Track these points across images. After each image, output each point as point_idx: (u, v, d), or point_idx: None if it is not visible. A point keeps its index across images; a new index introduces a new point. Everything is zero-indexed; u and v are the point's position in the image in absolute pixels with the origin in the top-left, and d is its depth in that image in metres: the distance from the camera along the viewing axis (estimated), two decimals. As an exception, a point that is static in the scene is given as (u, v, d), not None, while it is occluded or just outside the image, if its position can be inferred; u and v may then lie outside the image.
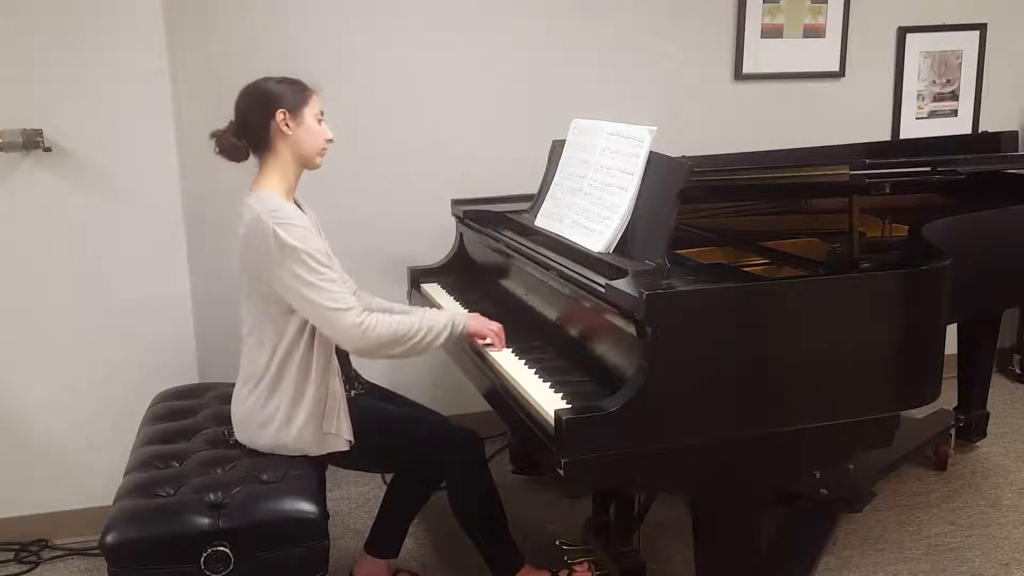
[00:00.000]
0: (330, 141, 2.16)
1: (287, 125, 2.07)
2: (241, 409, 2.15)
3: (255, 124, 2.09)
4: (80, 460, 2.74)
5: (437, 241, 3.09)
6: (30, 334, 2.66)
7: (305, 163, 2.14)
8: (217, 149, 2.12)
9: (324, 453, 2.12)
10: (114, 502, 1.95)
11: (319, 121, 2.13)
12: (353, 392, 2.24)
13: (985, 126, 3.87)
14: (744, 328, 1.82)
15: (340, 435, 2.11)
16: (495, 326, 2.25)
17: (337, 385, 2.13)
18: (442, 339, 2.12)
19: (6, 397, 2.68)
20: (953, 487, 3.06)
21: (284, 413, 2.08)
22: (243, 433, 2.15)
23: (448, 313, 2.18)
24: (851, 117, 3.66)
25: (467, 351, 2.34)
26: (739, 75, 3.51)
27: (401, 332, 2.04)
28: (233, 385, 2.21)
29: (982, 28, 3.79)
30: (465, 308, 2.58)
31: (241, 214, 2.07)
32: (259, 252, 2.00)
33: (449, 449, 2.22)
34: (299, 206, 2.17)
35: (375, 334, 2.01)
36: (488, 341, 2.23)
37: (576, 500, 2.85)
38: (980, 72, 3.84)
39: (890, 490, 3.02)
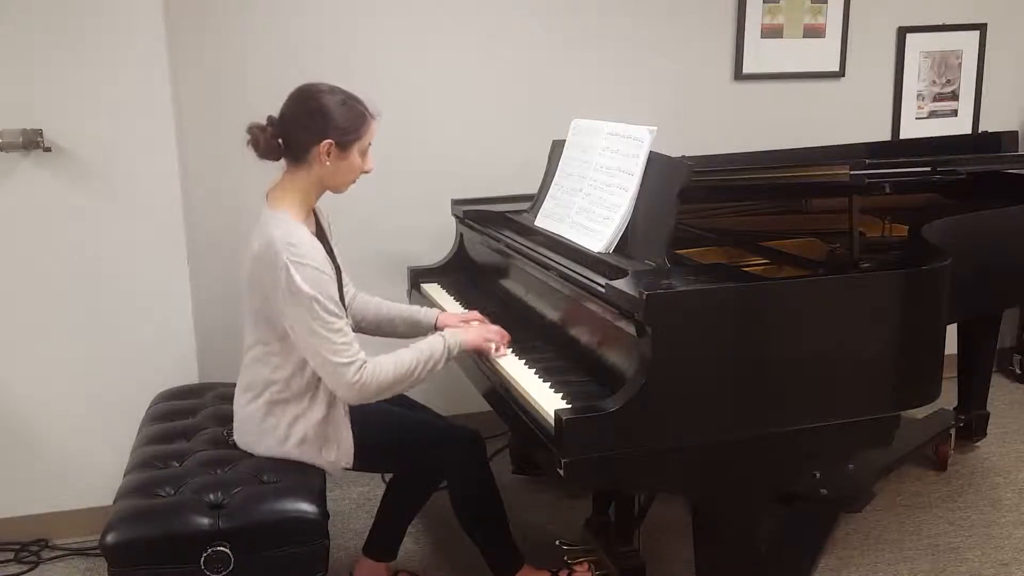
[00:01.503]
0: (366, 172, 2.08)
1: (328, 155, 1.98)
2: (241, 415, 2.14)
3: (298, 138, 1.99)
4: (80, 460, 2.74)
5: (437, 241, 3.09)
6: (30, 334, 2.66)
7: (331, 189, 2.07)
8: (250, 142, 2.00)
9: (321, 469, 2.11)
10: (114, 502, 1.95)
11: (364, 153, 2.05)
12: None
13: (985, 126, 3.86)
14: (744, 328, 1.82)
15: (338, 463, 2.10)
16: (493, 332, 2.19)
17: (341, 414, 2.09)
18: (440, 365, 2.06)
19: (6, 397, 2.68)
20: (953, 487, 3.06)
21: (283, 431, 2.07)
22: (242, 438, 2.14)
23: (441, 336, 2.10)
24: (851, 117, 3.66)
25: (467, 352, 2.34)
26: (739, 75, 3.51)
27: (399, 375, 1.98)
28: (233, 385, 2.21)
29: (982, 28, 3.79)
30: (465, 308, 2.58)
31: (258, 230, 1.99)
32: (268, 279, 1.93)
33: (450, 448, 2.22)
34: (316, 214, 2.14)
35: (371, 388, 1.95)
36: (495, 350, 2.17)
37: (576, 500, 2.85)
38: (980, 72, 3.84)
39: (890, 490, 3.02)
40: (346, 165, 2.03)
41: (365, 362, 1.96)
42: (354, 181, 2.09)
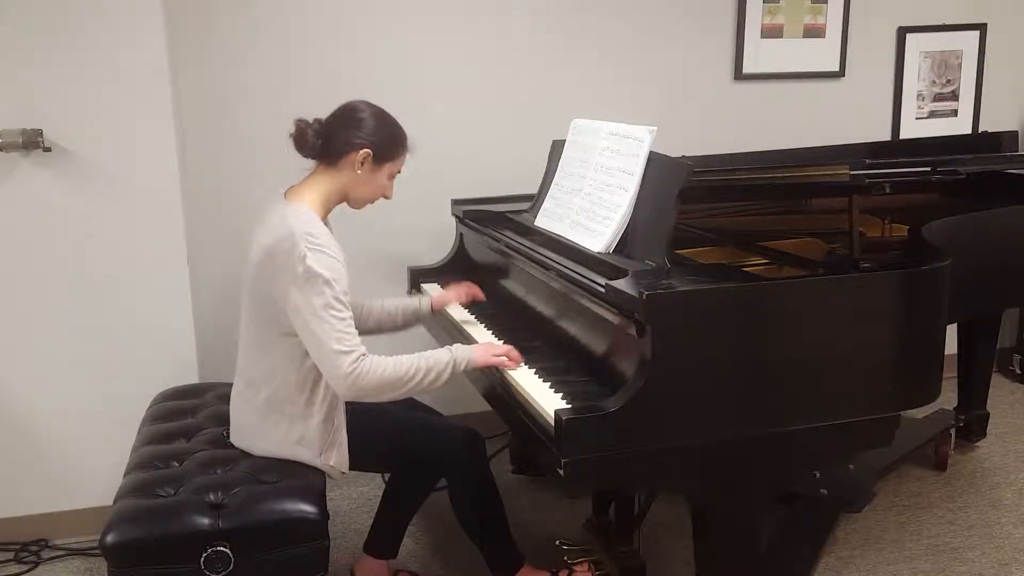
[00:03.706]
0: (387, 198, 2.15)
1: (362, 165, 2.05)
2: (238, 415, 2.15)
3: (336, 141, 2.05)
4: (80, 460, 2.74)
5: (437, 241, 3.09)
6: (30, 334, 2.66)
7: (349, 201, 2.12)
8: (295, 135, 2.06)
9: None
10: (114, 502, 1.95)
11: (391, 178, 2.12)
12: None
13: (985, 126, 3.87)
14: (744, 328, 1.82)
15: (336, 468, 2.10)
16: (503, 350, 2.11)
17: (342, 417, 2.09)
18: (443, 380, 2.02)
19: (6, 397, 2.68)
20: (953, 487, 3.06)
21: (282, 433, 2.07)
22: (239, 439, 2.14)
23: (449, 349, 2.07)
24: (851, 117, 3.66)
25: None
26: (739, 75, 3.51)
27: (397, 376, 1.95)
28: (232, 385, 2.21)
29: (982, 28, 3.79)
30: (465, 309, 2.58)
31: (271, 221, 2.00)
32: (281, 268, 1.94)
33: (450, 448, 2.21)
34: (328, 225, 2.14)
35: (367, 382, 1.92)
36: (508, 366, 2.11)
37: (576, 500, 2.85)
38: (980, 72, 3.84)
39: (890, 490, 3.02)
40: (374, 180, 2.09)
41: (364, 355, 1.94)
42: (372, 201, 2.15)
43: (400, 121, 3.10)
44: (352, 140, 2.04)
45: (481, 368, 2.12)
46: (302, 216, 1.99)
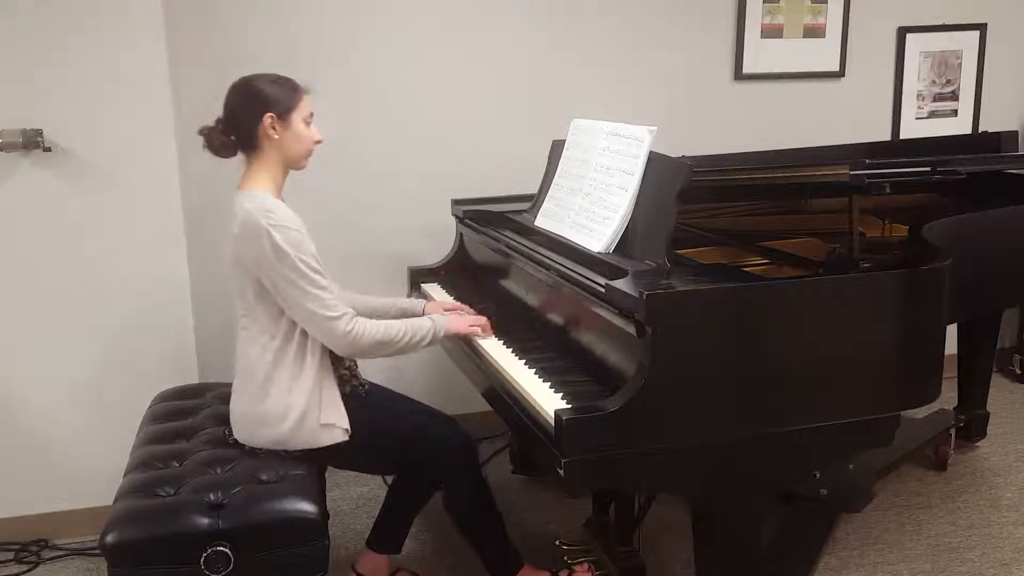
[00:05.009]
0: (318, 143, 2.17)
1: (274, 128, 2.08)
2: (238, 407, 2.16)
3: (242, 123, 2.09)
4: (80, 460, 2.74)
5: (437, 241, 3.09)
6: (30, 334, 2.66)
7: (291, 165, 2.16)
8: (206, 145, 2.13)
9: (323, 446, 2.11)
10: (114, 502, 1.95)
11: (308, 124, 2.14)
12: (348, 388, 2.23)
13: (985, 126, 3.86)
14: (744, 328, 1.82)
15: (337, 425, 2.11)
16: (473, 320, 2.31)
17: (332, 377, 2.14)
18: (425, 342, 2.18)
19: (6, 397, 2.69)
20: (953, 487, 3.06)
21: (280, 409, 2.08)
22: (241, 432, 2.15)
23: (430, 319, 2.23)
24: (851, 117, 3.66)
25: (466, 351, 2.34)
26: (739, 75, 3.51)
27: (388, 338, 2.11)
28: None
29: (982, 28, 3.79)
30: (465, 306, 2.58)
31: (235, 213, 2.07)
32: (254, 252, 2.01)
33: (444, 453, 2.21)
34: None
35: (363, 341, 2.06)
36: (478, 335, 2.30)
37: (576, 500, 2.85)
38: (980, 72, 3.84)
39: (890, 490, 3.02)
40: (293, 135, 2.12)
41: (355, 316, 2.07)
42: (310, 153, 2.17)
43: (401, 121, 3.12)
44: (253, 116, 2.07)
45: (454, 336, 2.29)
46: (257, 198, 2.06)
